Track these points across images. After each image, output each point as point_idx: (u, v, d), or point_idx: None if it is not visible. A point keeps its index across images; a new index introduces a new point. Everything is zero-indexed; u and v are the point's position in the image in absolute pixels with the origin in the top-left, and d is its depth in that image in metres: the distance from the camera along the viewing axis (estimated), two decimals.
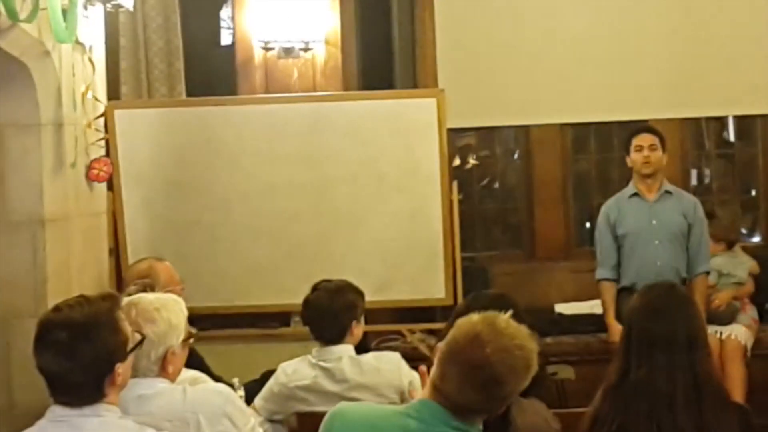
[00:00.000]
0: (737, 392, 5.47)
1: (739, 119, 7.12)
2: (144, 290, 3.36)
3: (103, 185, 5.02)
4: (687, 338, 2.97)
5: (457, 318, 3.16)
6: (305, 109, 5.71)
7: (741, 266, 6.00)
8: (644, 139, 5.39)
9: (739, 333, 5.77)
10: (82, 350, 2.42)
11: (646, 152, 5.36)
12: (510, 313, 2.45)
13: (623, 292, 5.27)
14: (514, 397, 2.49)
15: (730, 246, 5.95)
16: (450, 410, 2.37)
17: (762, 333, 6.04)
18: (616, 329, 5.16)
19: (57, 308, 2.51)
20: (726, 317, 5.75)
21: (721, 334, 5.72)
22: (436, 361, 2.41)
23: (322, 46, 6.37)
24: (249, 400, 3.71)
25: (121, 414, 2.53)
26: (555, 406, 3.36)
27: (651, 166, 5.38)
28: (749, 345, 5.80)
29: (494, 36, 6.81)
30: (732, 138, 7.28)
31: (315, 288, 3.86)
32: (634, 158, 5.40)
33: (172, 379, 2.89)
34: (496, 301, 3.20)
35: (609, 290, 5.42)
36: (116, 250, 5.41)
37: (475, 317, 2.42)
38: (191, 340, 2.99)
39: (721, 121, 7.18)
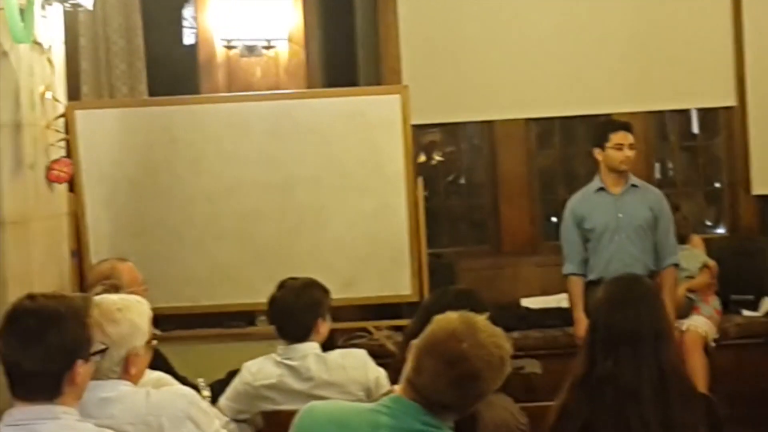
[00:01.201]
0: (699, 383, 5.49)
1: (702, 112, 7.16)
2: (109, 291, 3.33)
3: (64, 186, 4.96)
4: (652, 330, 2.97)
5: (422, 314, 3.17)
6: (268, 107, 5.68)
7: (693, 260, 6.03)
8: (624, 137, 5.37)
9: (699, 324, 5.79)
10: (48, 338, 2.41)
11: (627, 151, 5.35)
12: (487, 315, 2.45)
13: (591, 286, 5.26)
14: (487, 397, 2.48)
15: (681, 240, 5.96)
16: (423, 406, 2.36)
17: (726, 323, 6.08)
18: (583, 324, 5.15)
19: (31, 296, 2.51)
20: (681, 311, 5.76)
21: (680, 326, 5.74)
22: (411, 356, 2.40)
23: (285, 44, 6.35)
24: (215, 400, 3.68)
25: (79, 417, 2.49)
26: (522, 400, 3.35)
27: (629, 163, 5.39)
28: (711, 335, 5.83)
29: (458, 31, 6.81)
30: (695, 130, 7.32)
31: (280, 286, 3.84)
32: (613, 155, 5.36)
33: (135, 382, 2.86)
34: (461, 296, 3.21)
35: (577, 284, 5.42)
36: (79, 252, 5.36)
37: (452, 315, 2.42)
38: (155, 342, 2.96)
39: (684, 114, 7.21)
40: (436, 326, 2.41)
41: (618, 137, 5.37)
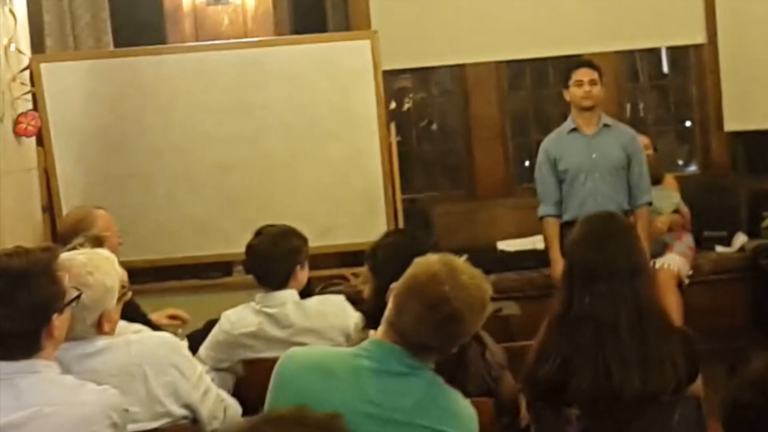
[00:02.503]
0: (674, 320, 5.53)
1: (672, 50, 7.15)
2: (91, 243, 3.29)
3: (32, 140, 4.91)
4: (628, 267, 2.98)
5: (369, 259, 3.19)
6: (237, 56, 5.65)
7: (666, 200, 6.05)
8: (585, 74, 5.37)
9: (673, 262, 5.84)
10: (20, 298, 2.38)
11: (586, 87, 5.35)
12: (465, 257, 2.44)
13: (566, 227, 5.27)
14: (467, 338, 2.48)
15: (655, 181, 6.00)
16: (404, 348, 2.36)
17: (700, 260, 6.12)
18: (559, 264, 5.19)
19: None
20: (655, 251, 5.79)
21: (654, 263, 5.78)
22: (391, 299, 2.40)
23: None
24: (193, 350, 3.66)
25: (60, 370, 2.49)
26: (500, 341, 3.37)
27: (592, 99, 5.37)
28: (684, 272, 5.88)
29: None
30: (666, 69, 7.31)
31: (258, 233, 3.81)
32: (574, 92, 5.38)
33: (112, 334, 2.83)
34: (403, 237, 3.25)
35: (552, 226, 5.43)
36: (50, 206, 5.32)
37: (432, 257, 2.41)
38: (126, 297, 2.92)
39: (654, 53, 7.20)
40: (417, 269, 2.39)
41: (578, 74, 5.38)
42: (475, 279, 2.38)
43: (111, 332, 2.82)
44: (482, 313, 2.39)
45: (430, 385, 2.39)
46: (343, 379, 2.37)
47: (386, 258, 3.20)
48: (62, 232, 4.20)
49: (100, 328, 2.77)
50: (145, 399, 2.74)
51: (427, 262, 2.40)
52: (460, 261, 2.41)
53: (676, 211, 6.08)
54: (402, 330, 2.36)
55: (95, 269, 2.78)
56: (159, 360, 2.78)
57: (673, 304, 5.64)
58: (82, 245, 3.10)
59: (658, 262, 5.77)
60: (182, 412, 2.83)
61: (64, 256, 2.77)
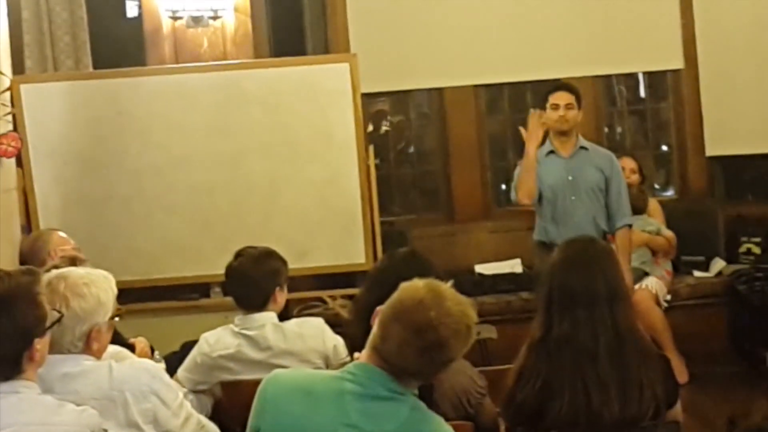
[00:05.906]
0: (663, 336, 5.59)
1: (649, 75, 7.20)
2: (67, 263, 3.28)
3: (12, 161, 4.89)
4: (607, 292, 2.99)
5: (372, 281, 3.18)
6: (216, 78, 5.65)
7: (646, 226, 6.09)
8: (561, 98, 5.40)
9: (650, 283, 5.88)
10: (1, 323, 2.38)
11: (562, 111, 5.38)
12: (451, 282, 2.44)
13: (544, 249, 5.28)
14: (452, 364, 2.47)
15: (639, 212, 6.06)
16: (388, 373, 2.36)
17: (678, 284, 6.15)
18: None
19: None
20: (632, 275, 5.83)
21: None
22: (377, 323, 2.39)
23: (231, 14, 6.29)
24: (170, 372, 3.64)
25: (40, 391, 2.48)
26: (477, 365, 3.36)
27: (567, 124, 5.40)
28: (662, 295, 5.92)
29: None
30: (643, 94, 7.36)
31: (238, 254, 3.80)
32: (550, 116, 5.41)
33: (98, 357, 2.82)
34: (408, 260, 3.22)
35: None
36: (28, 227, 5.29)
37: (418, 282, 2.40)
38: (116, 319, 2.92)
39: (632, 77, 7.25)
40: (403, 294, 2.39)
41: (554, 98, 5.42)
42: (461, 305, 2.37)
43: (98, 354, 2.81)
44: (467, 339, 2.38)
45: (412, 410, 2.39)
46: (325, 402, 2.37)
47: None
48: (21, 255, 4.21)
49: (88, 345, 2.76)
50: (124, 424, 2.72)
51: (413, 287, 2.40)
52: (446, 287, 2.41)
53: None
54: (386, 355, 2.36)
55: (92, 282, 2.79)
56: (140, 387, 2.77)
57: (657, 321, 5.72)
58: (57, 267, 3.09)
59: (636, 285, 5.81)
60: None
61: (61, 271, 2.79)
